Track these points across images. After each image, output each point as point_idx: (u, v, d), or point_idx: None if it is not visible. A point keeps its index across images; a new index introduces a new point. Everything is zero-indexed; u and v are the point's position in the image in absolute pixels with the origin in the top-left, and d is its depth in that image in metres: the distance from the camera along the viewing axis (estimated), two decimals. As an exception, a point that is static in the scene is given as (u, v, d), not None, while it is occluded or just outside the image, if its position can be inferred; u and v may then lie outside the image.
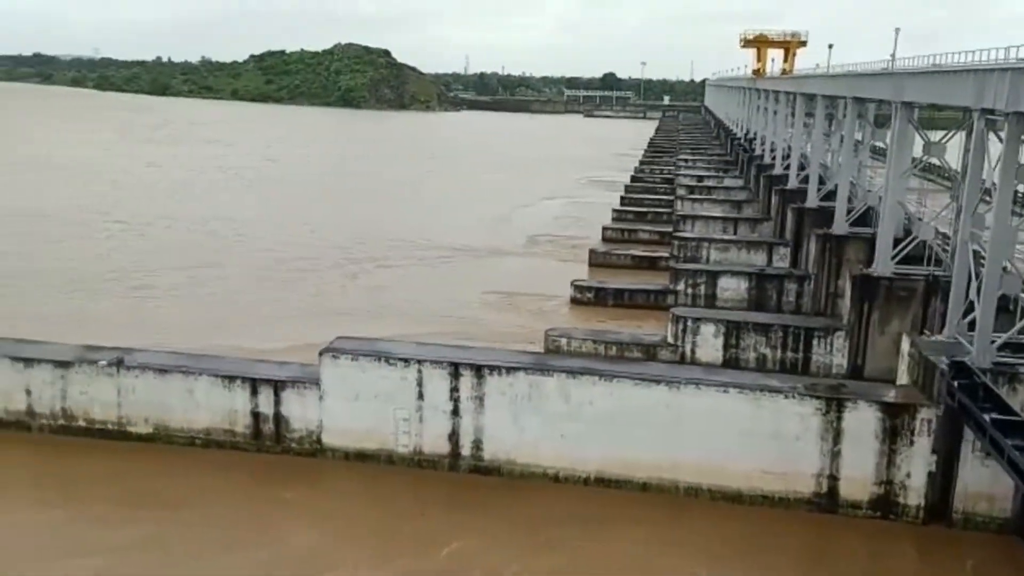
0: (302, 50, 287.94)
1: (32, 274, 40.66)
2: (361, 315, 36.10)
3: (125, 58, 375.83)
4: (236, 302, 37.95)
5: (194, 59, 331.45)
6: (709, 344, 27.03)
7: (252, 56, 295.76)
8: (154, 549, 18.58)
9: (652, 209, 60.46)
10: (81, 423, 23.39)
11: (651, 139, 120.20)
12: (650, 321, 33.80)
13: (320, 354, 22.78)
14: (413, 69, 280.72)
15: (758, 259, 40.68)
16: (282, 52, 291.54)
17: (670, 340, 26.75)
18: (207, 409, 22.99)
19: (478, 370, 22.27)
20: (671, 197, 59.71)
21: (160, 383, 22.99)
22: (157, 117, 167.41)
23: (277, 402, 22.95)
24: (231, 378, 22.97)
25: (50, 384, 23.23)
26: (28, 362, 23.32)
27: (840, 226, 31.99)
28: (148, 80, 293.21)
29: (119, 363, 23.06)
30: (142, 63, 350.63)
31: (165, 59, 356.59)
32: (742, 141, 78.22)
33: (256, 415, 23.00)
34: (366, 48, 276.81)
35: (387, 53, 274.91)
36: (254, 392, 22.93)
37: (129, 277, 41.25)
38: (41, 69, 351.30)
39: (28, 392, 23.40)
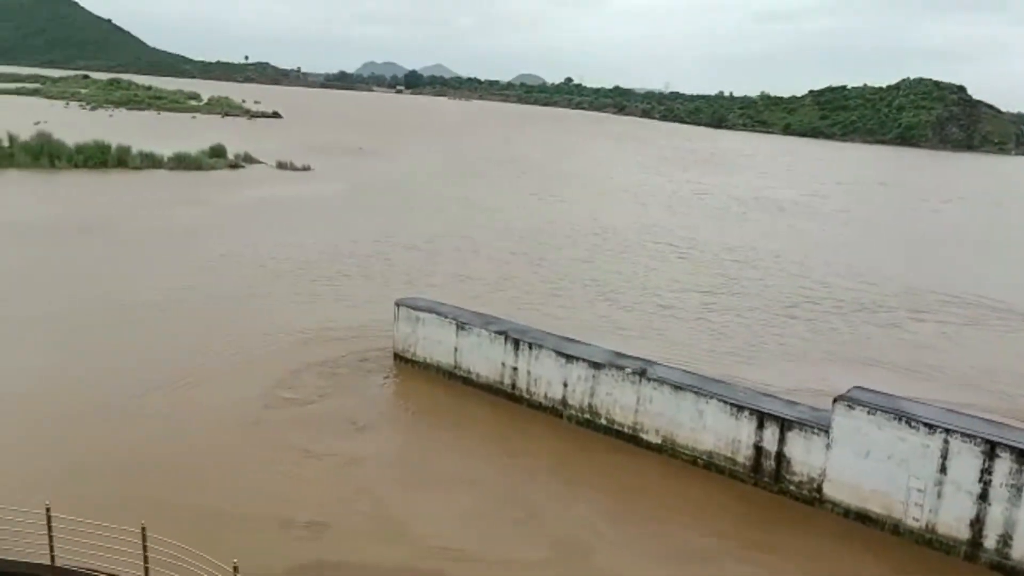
0: (864, 85, 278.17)
1: (587, 282, 46.60)
2: (888, 368, 33.84)
3: (691, 92, 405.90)
4: (753, 332, 38.52)
5: (754, 93, 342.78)
6: None
7: (811, 91, 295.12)
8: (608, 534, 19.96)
9: None
10: (603, 421, 26.17)
11: None
12: None
13: (834, 401, 22.01)
14: (990, 107, 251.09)
15: None
16: (843, 88, 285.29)
17: None
18: (713, 432, 23.87)
19: (1020, 455, 19.27)
20: None
21: (673, 399, 24.54)
22: (705, 145, 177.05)
23: (781, 440, 22.81)
24: (739, 407, 23.47)
25: (583, 381, 26.43)
26: (569, 359, 26.80)
27: None
28: (708, 113, 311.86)
29: (642, 373, 25.22)
30: (705, 97, 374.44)
31: (727, 93, 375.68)
32: None
33: (759, 449, 23.17)
34: (936, 83, 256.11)
35: (961, 89, 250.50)
36: (760, 426, 23.11)
37: (659, 295, 44.71)
38: (618, 100, 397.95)
39: (565, 385, 26.94)
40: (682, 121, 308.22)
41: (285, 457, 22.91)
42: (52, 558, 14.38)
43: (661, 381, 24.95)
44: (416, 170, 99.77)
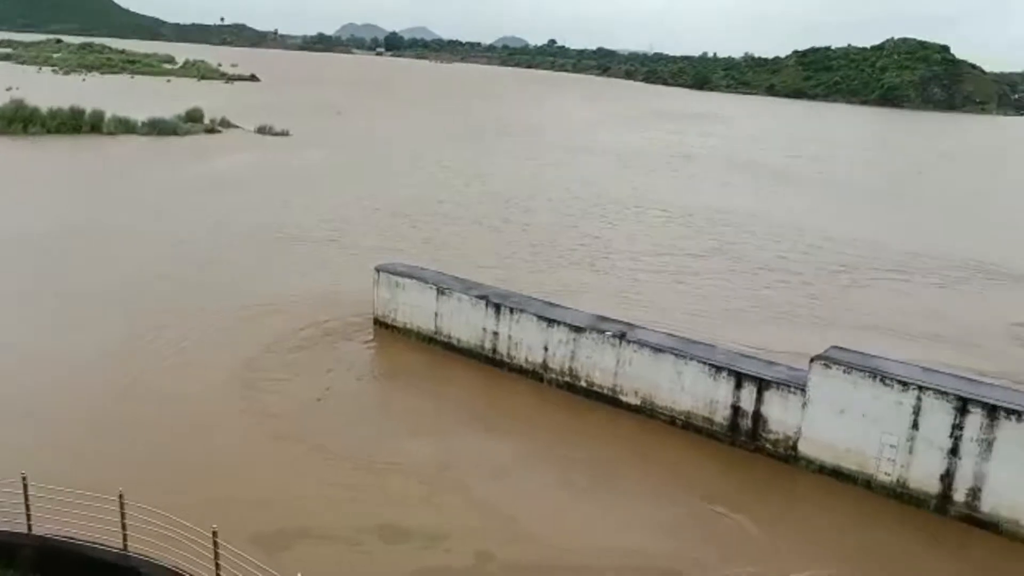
0: (848, 45, 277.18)
1: (565, 251, 46.62)
2: (858, 327, 34.18)
3: (675, 53, 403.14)
4: (736, 295, 38.76)
5: (738, 54, 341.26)
6: None
7: (795, 52, 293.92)
8: (585, 494, 20.24)
9: None
10: (583, 383, 26.35)
11: None
12: None
13: (811, 361, 22.26)
14: (973, 66, 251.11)
15: None
16: (827, 48, 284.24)
17: None
18: (691, 393, 24.11)
19: (991, 410, 19.60)
20: None
21: (653, 361, 24.73)
22: (687, 107, 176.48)
23: (759, 400, 23.07)
24: (718, 368, 23.69)
25: (564, 345, 26.55)
26: (550, 322, 26.89)
27: None
28: (692, 74, 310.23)
29: (622, 336, 25.37)
30: (689, 58, 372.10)
31: (711, 54, 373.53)
32: None
33: (736, 409, 23.44)
34: (921, 43, 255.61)
35: (945, 48, 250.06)
36: (738, 386, 23.36)
37: (642, 259, 44.80)
38: (601, 62, 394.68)
39: (546, 348, 27.05)
40: (665, 83, 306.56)
41: (257, 429, 22.97)
42: (29, 527, 14.42)
43: (641, 344, 25.11)
44: (396, 134, 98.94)
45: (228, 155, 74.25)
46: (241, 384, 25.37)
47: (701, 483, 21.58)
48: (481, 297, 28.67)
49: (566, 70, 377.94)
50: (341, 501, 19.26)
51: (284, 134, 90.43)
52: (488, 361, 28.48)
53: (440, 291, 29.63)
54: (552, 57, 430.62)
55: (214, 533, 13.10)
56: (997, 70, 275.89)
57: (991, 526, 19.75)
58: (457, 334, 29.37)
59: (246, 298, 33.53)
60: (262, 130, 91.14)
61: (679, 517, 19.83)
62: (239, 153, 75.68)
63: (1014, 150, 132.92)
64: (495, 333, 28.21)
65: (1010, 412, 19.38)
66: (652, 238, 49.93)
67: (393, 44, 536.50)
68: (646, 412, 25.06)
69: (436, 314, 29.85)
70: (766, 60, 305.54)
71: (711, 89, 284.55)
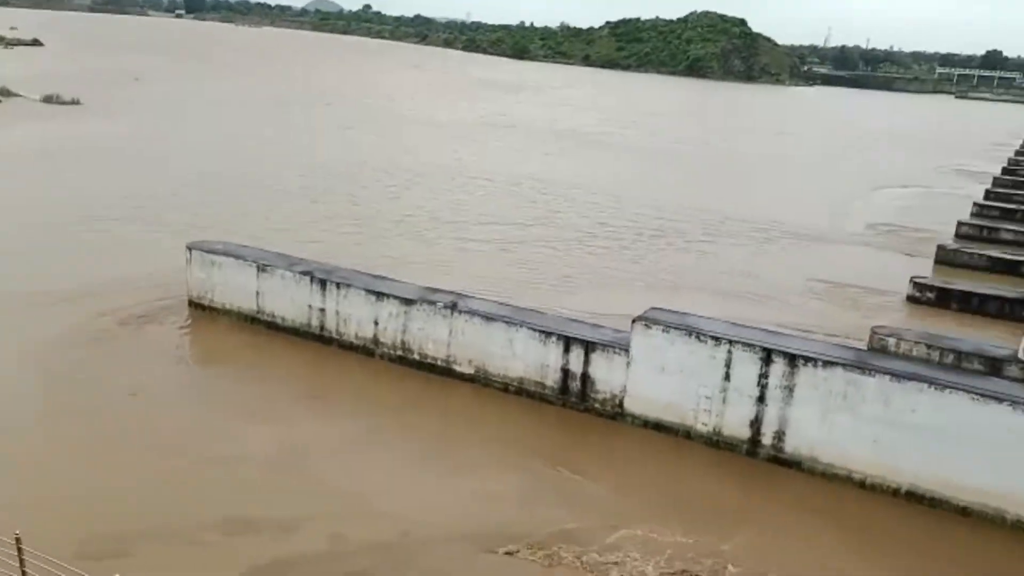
0: (656, 17, 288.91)
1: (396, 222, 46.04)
2: (677, 288, 36.16)
3: (493, 22, 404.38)
4: (564, 262, 39.83)
5: (554, 24, 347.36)
6: (1074, 368, 23.17)
7: (608, 23, 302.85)
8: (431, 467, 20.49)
9: (1023, 207, 52.83)
10: (416, 356, 26.25)
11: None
12: (998, 332, 29.85)
13: (633, 322, 23.28)
14: (768, 40, 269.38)
15: None
16: (637, 20, 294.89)
17: (1022, 356, 23.35)
18: (523, 359, 24.61)
19: (791, 359, 21.37)
20: (1052, 194, 51.78)
21: (485, 329, 25.00)
22: (507, 77, 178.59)
23: (586, 362, 23.92)
24: (548, 334, 24.30)
25: (395, 318, 26.29)
26: (380, 296, 26.50)
27: None
28: (510, 43, 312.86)
29: (453, 307, 25.44)
30: (507, 27, 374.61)
31: (528, 23, 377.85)
32: None
33: (566, 372, 24.19)
34: (721, 16, 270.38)
35: (742, 22, 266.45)
36: (566, 349, 24.08)
37: (468, 228, 45.07)
38: (419, 29, 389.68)
39: (376, 323, 26.68)
40: (485, 52, 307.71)
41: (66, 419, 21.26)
42: None
43: (472, 313, 25.29)
44: (205, 101, 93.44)
45: (10, 127, 67.34)
46: (42, 380, 23.27)
47: (536, 446, 22.15)
48: (305, 273, 27.79)
49: (383, 37, 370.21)
50: (178, 498, 18.11)
51: (75, 103, 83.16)
52: (316, 339, 27.73)
53: (261, 268, 28.43)
54: (369, 23, 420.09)
55: (17, 539, 11.97)
56: (790, 43, 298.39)
57: (794, 464, 21.62)
58: (281, 312, 28.35)
59: (35, 284, 30.63)
60: (49, 99, 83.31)
61: (520, 481, 20.26)
62: (25, 123, 68.83)
63: (802, 119, 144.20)
64: (322, 310, 27.48)
65: (807, 359, 21.20)
66: (478, 208, 50.26)
67: (194, 6, 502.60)
68: (480, 381, 25.34)
69: (258, 293, 28.65)
70: (581, 30, 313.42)
71: (530, 59, 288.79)
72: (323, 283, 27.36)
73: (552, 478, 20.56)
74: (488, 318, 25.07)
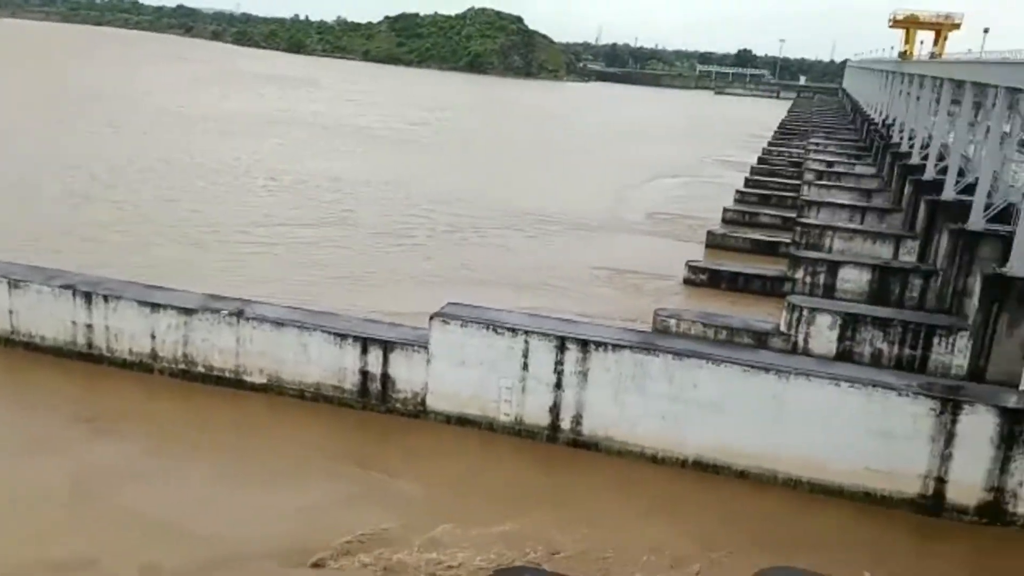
0: (435, 13, 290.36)
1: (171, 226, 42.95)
2: (473, 283, 36.47)
3: (265, 14, 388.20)
4: (357, 262, 38.95)
5: (330, 18, 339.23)
6: (823, 336, 25.89)
7: (387, 17, 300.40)
8: (241, 484, 19.46)
9: (777, 192, 58.65)
10: (201, 369, 24.59)
11: (782, 120, 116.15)
12: (764, 308, 32.72)
13: (430, 318, 23.13)
14: (544, 37, 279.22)
15: (884, 251, 38.77)
16: (416, 15, 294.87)
17: (783, 329, 25.74)
18: (318, 364, 23.76)
19: (584, 345, 22.16)
20: (798, 181, 57.65)
21: (276, 336, 23.88)
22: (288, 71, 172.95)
23: (385, 362, 23.49)
24: (343, 336, 23.61)
25: (174, 330, 24.47)
26: (155, 307, 24.56)
27: (977, 221, 29.95)
28: (285, 37, 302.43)
29: (239, 314, 24.07)
30: (280, 20, 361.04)
31: (303, 17, 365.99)
32: (879, 127, 74.33)
33: (365, 373, 23.62)
34: (498, 13, 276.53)
35: (519, 20, 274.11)
36: (364, 351, 23.52)
37: (250, 231, 42.97)
38: (183, 21, 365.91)
39: (153, 336, 24.71)
40: (258, 45, 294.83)
41: None
42: None
43: (261, 319, 24.07)
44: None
45: None
46: None
47: (340, 451, 21.56)
48: (67, 287, 25.22)
49: (142, 28, 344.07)
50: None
51: None
52: (84, 358, 25.26)
53: (13, 284, 25.48)
54: (126, 14, 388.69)
55: None
56: (565, 40, 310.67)
57: (592, 446, 22.48)
58: (40, 331, 25.57)
59: None
60: None
61: (329, 488, 19.65)
62: None
63: (580, 113, 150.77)
64: (88, 325, 25.05)
65: (598, 344, 22.11)
66: (262, 209, 48.07)
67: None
68: (274, 389, 24.18)
69: (11, 312, 25.69)
70: (360, 25, 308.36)
71: (307, 53, 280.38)
72: (88, 296, 24.92)
73: (362, 481, 20.07)
74: (279, 324, 23.96)
